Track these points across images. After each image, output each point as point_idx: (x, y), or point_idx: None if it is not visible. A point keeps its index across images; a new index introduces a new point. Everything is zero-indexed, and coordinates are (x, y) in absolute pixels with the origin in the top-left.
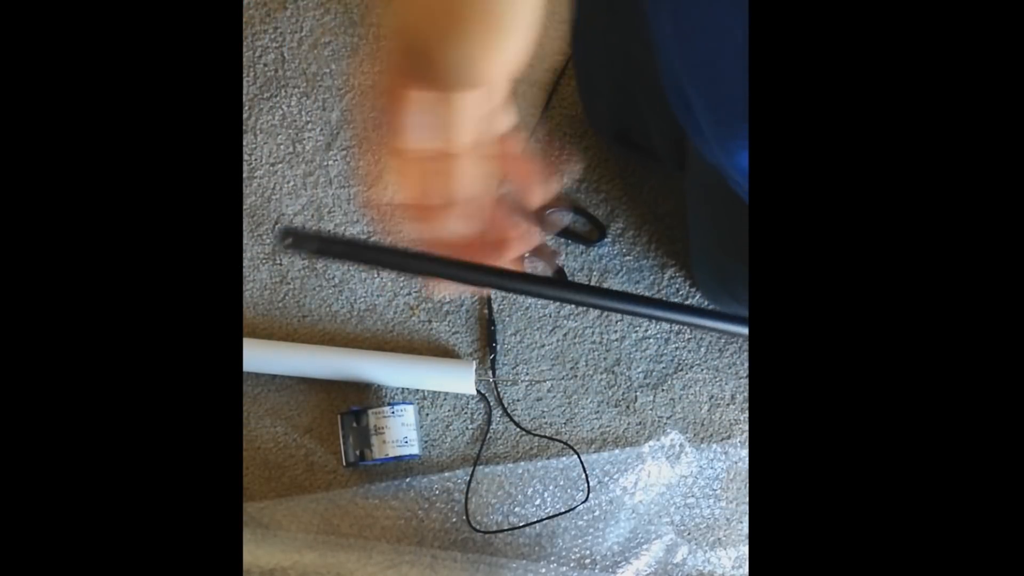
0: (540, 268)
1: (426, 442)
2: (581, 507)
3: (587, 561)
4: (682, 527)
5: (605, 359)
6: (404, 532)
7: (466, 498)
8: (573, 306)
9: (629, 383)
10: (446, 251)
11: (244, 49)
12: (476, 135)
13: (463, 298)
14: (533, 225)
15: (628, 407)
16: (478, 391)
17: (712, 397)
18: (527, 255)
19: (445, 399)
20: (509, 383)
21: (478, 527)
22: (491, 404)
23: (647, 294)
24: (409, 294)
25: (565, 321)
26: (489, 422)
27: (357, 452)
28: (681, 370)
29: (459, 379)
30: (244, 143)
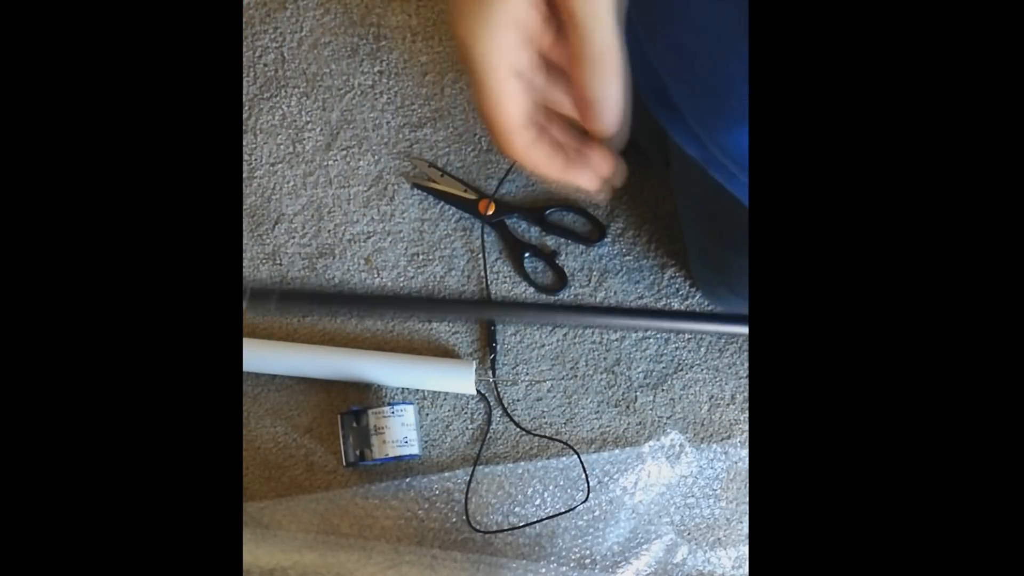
0: (540, 269)
1: (426, 442)
2: (581, 507)
3: (587, 561)
4: (682, 527)
5: (605, 359)
6: (404, 532)
7: (466, 498)
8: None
9: (629, 383)
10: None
11: (244, 49)
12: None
13: (463, 298)
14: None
15: (628, 407)
16: (478, 391)
17: (712, 397)
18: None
19: (445, 399)
20: (509, 383)
21: (478, 527)
22: (491, 404)
23: (644, 304)
24: (409, 294)
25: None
26: (489, 422)
27: (357, 452)
28: (681, 370)
29: (459, 379)
30: (244, 143)
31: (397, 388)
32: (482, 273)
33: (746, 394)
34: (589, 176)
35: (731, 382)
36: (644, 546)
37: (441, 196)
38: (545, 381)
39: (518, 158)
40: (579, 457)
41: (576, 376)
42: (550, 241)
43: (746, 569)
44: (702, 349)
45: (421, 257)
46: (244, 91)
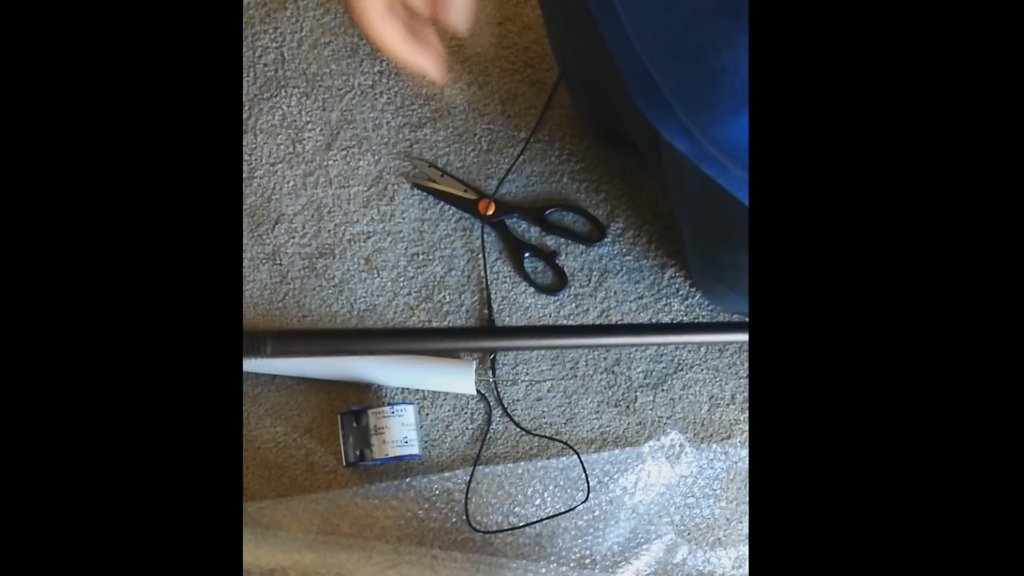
0: (540, 269)
1: (426, 442)
2: (581, 507)
3: (587, 561)
4: (682, 527)
5: (605, 359)
6: (404, 532)
7: (466, 498)
8: (573, 306)
9: (629, 383)
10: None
11: (244, 49)
12: None
13: (463, 298)
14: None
15: (628, 407)
16: (478, 391)
17: (712, 397)
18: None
19: (445, 399)
20: (509, 383)
21: (478, 527)
22: (491, 404)
23: (643, 303)
24: (409, 294)
25: (565, 321)
26: (489, 422)
27: (357, 452)
28: (681, 370)
29: (459, 379)
30: (244, 143)
31: (397, 388)
32: (482, 273)
33: (746, 394)
34: (429, 57)
35: (731, 382)
36: (644, 546)
37: (441, 196)
38: (545, 381)
39: (369, 30)
40: (579, 457)
41: (576, 376)
42: (550, 241)
43: (746, 569)
44: (702, 349)
45: (421, 257)
46: (244, 91)
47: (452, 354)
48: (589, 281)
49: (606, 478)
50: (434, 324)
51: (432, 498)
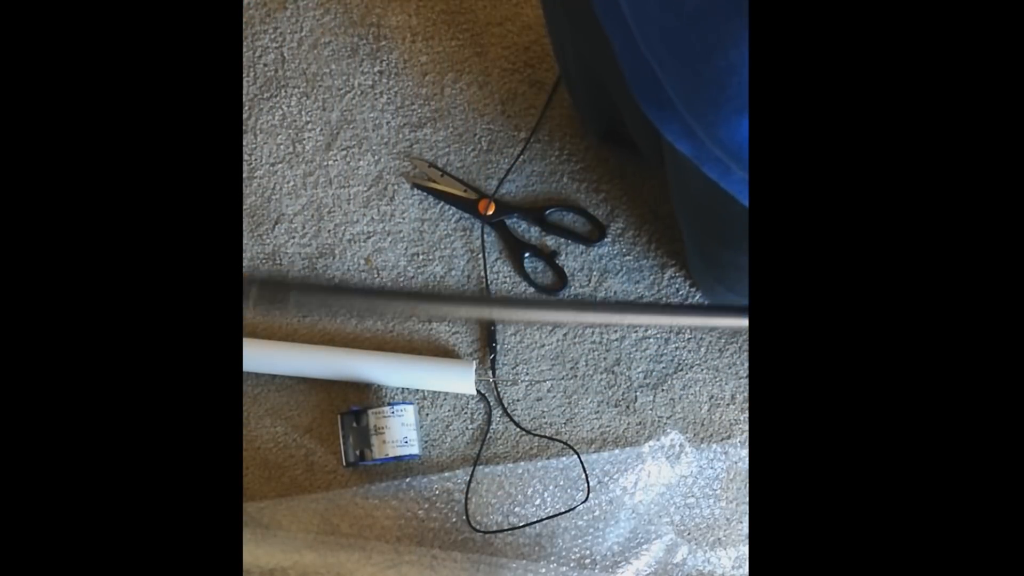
0: (540, 269)
1: (426, 442)
2: (581, 507)
3: (587, 561)
4: (682, 527)
5: (605, 359)
6: (404, 532)
7: (466, 498)
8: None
9: (629, 383)
10: None
11: (244, 49)
12: None
13: (463, 298)
14: None
15: (628, 407)
16: (478, 391)
17: (712, 397)
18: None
19: (445, 399)
20: (509, 383)
21: (478, 527)
22: (491, 404)
23: (646, 298)
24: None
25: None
26: (489, 422)
27: (357, 452)
28: (681, 370)
29: (459, 379)
30: (244, 143)
31: (397, 388)
32: (482, 273)
33: (746, 394)
34: None
35: (731, 382)
36: (644, 546)
37: (441, 196)
38: (545, 381)
39: None
40: (579, 457)
41: (576, 376)
42: (550, 241)
43: (746, 569)
44: (702, 349)
45: (421, 257)
46: (244, 91)
47: (452, 354)
48: (589, 281)
49: (606, 478)
50: (434, 324)
51: (432, 498)
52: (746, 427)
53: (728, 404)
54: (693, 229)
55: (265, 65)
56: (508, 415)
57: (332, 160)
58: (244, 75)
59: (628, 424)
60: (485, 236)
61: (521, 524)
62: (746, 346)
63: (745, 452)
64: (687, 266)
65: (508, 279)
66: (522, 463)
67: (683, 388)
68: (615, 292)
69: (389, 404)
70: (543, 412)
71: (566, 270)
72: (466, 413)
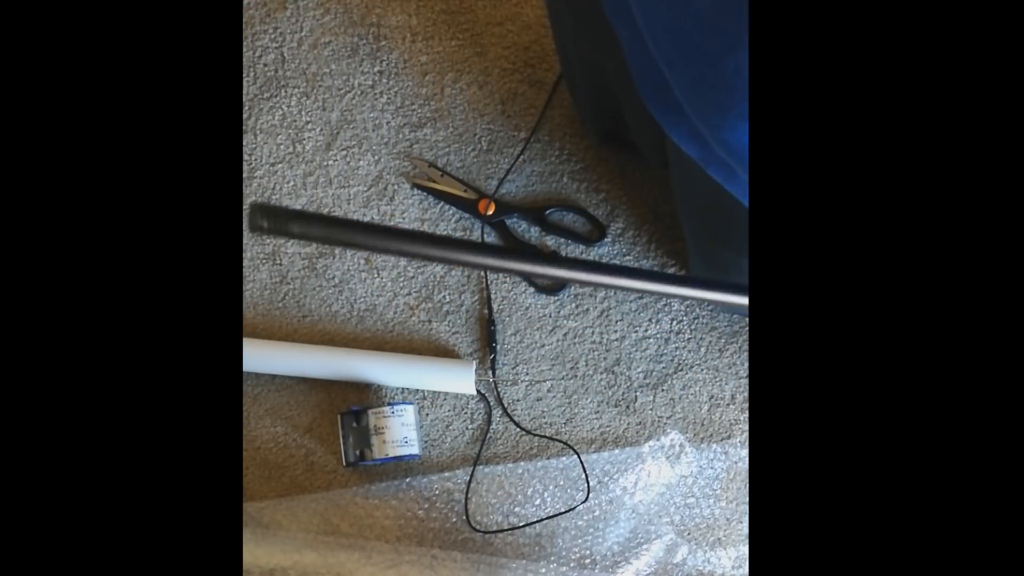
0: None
1: (426, 442)
2: (581, 507)
3: (587, 561)
4: (682, 527)
5: (605, 359)
6: (404, 532)
7: (466, 498)
8: (573, 306)
9: (629, 383)
10: None
11: (244, 49)
12: None
13: (463, 298)
14: None
15: (628, 407)
16: (478, 391)
17: (712, 397)
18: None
19: (445, 399)
20: (509, 383)
21: (478, 527)
22: (491, 404)
23: (643, 303)
24: (409, 294)
25: (565, 321)
26: (489, 422)
27: (357, 452)
28: (681, 370)
29: (459, 379)
30: (244, 143)
31: (397, 388)
32: (482, 273)
33: (746, 394)
34: None
35: (731, 382)
36: (644, 546)
37: (441, 196)
38: (545, 381)
39: None
40: (579, 457)
41: (576, 376)
42: (550, 241)
43: (746, 569)
44: (702, 349)
45: None
46: (244, 91)
47: (452, 354)
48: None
49: (606, 478)
50: (434, 324)
51: (432, 498)
52: (746, 427)
53: (728, 404)
54: (696, 230)
55: (265, 65)
56: (508, 415)
57: (332, 160)
58: (244, 75)
59: (628, 424)
60: (485, 236)
61: (521, 524)
62: (746, 346)
63: (745, 452)
64: (688, 266)
65: (508, 279)
66: (522, 463)
67: (683, 388)
68: (615, 292)
69: (389, 404)
70: (543, 412)
71: None
72: (466, 413)
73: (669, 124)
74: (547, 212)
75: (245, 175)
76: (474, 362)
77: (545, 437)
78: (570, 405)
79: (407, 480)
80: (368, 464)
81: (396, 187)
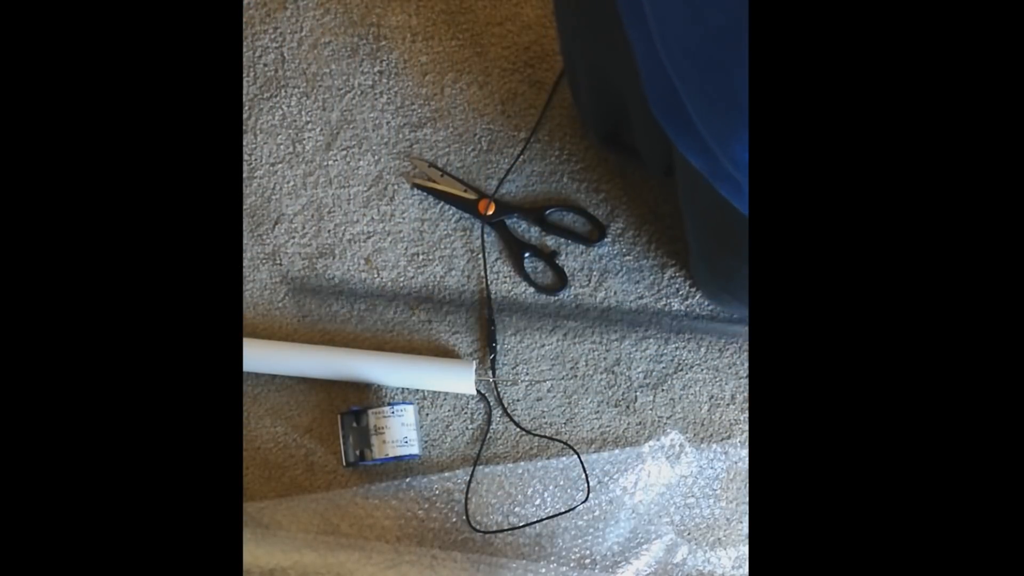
0: (540, 269)
1: (426, 442)
2: (581, 507)
3: (587, 561)
4: (682, 527)
5: (605, 359)
6: (404, 532)
7: (466, 498)
8: (573, 306)
9: (629, 383)
10: None
11: (244, 49)
12: None
13: (463, 298)
14: None
15: (628, 407)
16: (478, 391)
17: (712, 397)
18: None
19: (445, 399)
20: (509, 383)
21: (478, 527)
22: (491, 404)
23: (644, 304)
24: (409, 294)
25: (565, 321)
26: (489, 422)
27: (357, 452)
28: (681, 370)
29: (459, 379)
30: (244, 143)
31: (397, 388)
32: (482, 273)
33: (746, 394)
34: None
35: (731, 382)
36: (644, 546)
37: (441, 196)
38: (545, 381)
39: None
40: (579, 457)
41: (576, 376)
42: (550, 241)
43: (746, 569)
44: (702, 349)
45: (421, 257)
46: (244, 91)
47: (452, 354)
48: (589, 281)
49: (606, 478)
50: (434, 324)
51: (432, 498)
52: (746, 427)
53: (728, 404)
54: (700, 236)
55: (265, 65)
56: (508, 415)
57: (332, 160)
58: (244, 75)
59: (628, 424)
60: (485, 236)
61: (521, 524)
62: (746, 346)
63: (745, 452)
64: (689, 268)
65: (508, 279)
66: (522, 463)
67: (683, 388)
68: (615, 292)
69: (389, 404)
70: (543, 412)
71: (566, 270)
72: (466, 413)
73: (678, 136)
74: (547, 212)
75: (245, 175)
76: (474, 362)
77: (545, 437)
78: (570, 405)
79: (407, 480)
80: (368, 464)
81: (396, 187)
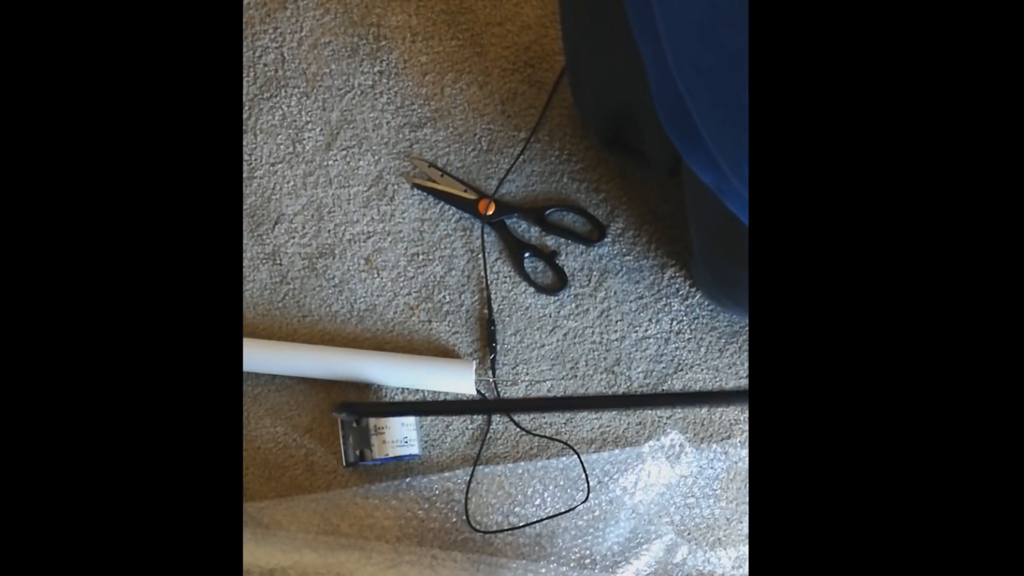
0: (540, 269)
1: (426, 442)
2: (581, 507)
3: (587, 561)
4: (682, 527)
5: (605, 359)
6: (404, 532)
7: (466, 498)
8: (573, 306)
9: (629, 383)
10: None
11: (244, 49)
12: None
13: (463, 298)
14: None
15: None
16: (478, 391)
17: None
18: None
19: (445, 399)
20: (509, 383)
21: (478, 527)
22: None
23: (645, 307)
24: (409, 294)
25: (565, 321)
26: (489, 422)
27: (357, 452)
28: (681, 370)
29: (459, 379)
30: (244, 143)
31: (397, 388)
32: (482, 273)
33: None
34: None
35: (731, 382)
36: (644, 546)
37: (441, 196)
38: (545, 381)
39: None
40: (579, 457)
41: (576, 376)
42: (550, 241)
43: (746, 569)
44: (702, 349)
45: (421, 257)
46: (244, 91)
47: (452, 354)
48: (589, 281)
49: (606, 478)
50: (434, 324)
51: (432, 498)
52: (746, 427)
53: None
54: (705, 244)
55: (265, 65)
56: (508, 415)
57: (332, 160)
58: (244, 75)
59: (628, 424)
60: (485, 236)
61: (521, 524)
62: (746, 346)
63: (745, 452)
64: (689, 270)
65: (508, 279)
66: (522, 463)
67: (683, 388)
68: (615, 292)
69: None
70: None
71: (566, 270)
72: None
73: (687, 152)
74: (547, 212)
75: (245, 175)
76: (474, 362)
77: (545, 437)
78: None
79: (407, 480)
80: (368, 464)
81: (396, 187)
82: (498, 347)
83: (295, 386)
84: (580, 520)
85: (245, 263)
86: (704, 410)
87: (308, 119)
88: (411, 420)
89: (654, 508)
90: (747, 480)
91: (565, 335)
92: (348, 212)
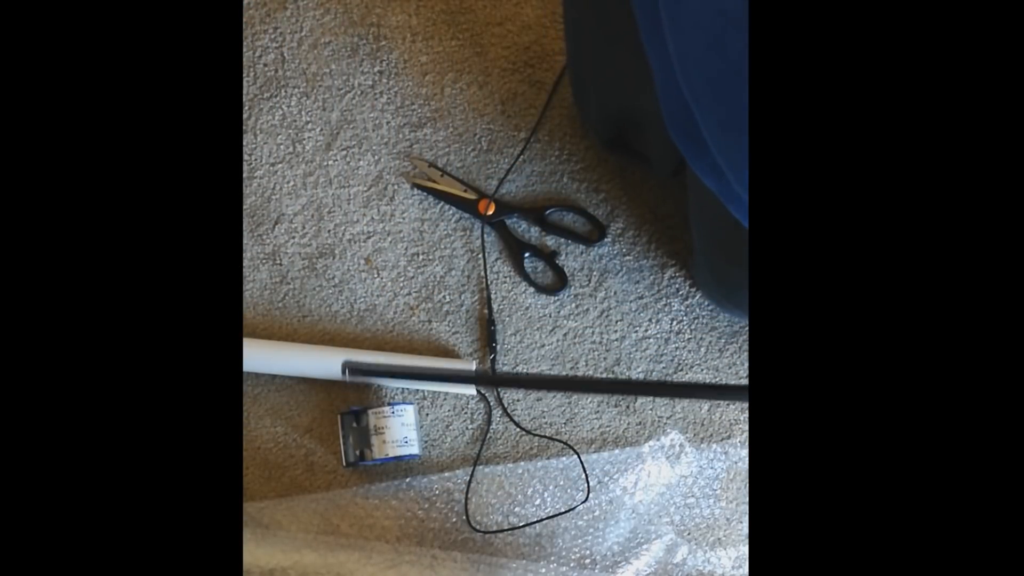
0: (540, 269)
1: (426, 442)
2: (581, 507)
3: (587, 561)
4: (682, 527)
5: (605, 359)
6: (404, 532)
7: (466, 498)
8: (573, 306)
9: None
10: None
11: (244, 49)
12: None
13: (463, 298)
14: None
15: (628, 407)
16: (478, 391)
17: None
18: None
19: (445, 399)
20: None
21: (478, 527)
22: (491, 404)
23: (644, 302)
24: (409, 294)
25: (565, 321)
26: (489, 422)
27: (357, 452)
28: (681, 370)
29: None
30: (244, 143)
31: (397, 388)
32: (482, 273)
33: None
34: None
35: (731, 382)
36: (644, 546)
37: (441, 196)
38: None
39: None
40: (579, 457)
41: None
42: (550, 241)
43: (746, 569)
44: (702, 349)
45: (421, 257)
46: (244, 91)
47: (452, 354)
48: (589, 281)
49: (606, 478)
50: (434, 324)
51: (432, 498)
52: (746, 427)
53: (728, 404)
54: (708, 247)
55: (265, 65)
56: (508, 415)
57: (332, 160)
58: (244, 75)
59: (628, 424)
60: (485, 236)
61: (521, 524)
62: (746, 346)
63: (745, 452)
64: (690, 271)
65: (508, 279)
66: (522, 463)
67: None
68: (615, 292)
69: (389, 404)
70: (543, 412)
71: (566, 270)
72: (466, 413)
73: (691, 155)
74: (547, 212)
75: (245, 175)
76: (474, 362)
77: (545, 437)
78: (570, 405)
79: (407, 480)
80: (368, 464)
81: (396, 187)
82: (498, 347)
83: (295, 386)
84: (580, 520)
85: (245, 263)
86: (704, 410)
87: (308, 119)
88: (411, 420)
89: (654, 508)
90: (747, 480)
91: (565, 335)
92: (348, 212)
